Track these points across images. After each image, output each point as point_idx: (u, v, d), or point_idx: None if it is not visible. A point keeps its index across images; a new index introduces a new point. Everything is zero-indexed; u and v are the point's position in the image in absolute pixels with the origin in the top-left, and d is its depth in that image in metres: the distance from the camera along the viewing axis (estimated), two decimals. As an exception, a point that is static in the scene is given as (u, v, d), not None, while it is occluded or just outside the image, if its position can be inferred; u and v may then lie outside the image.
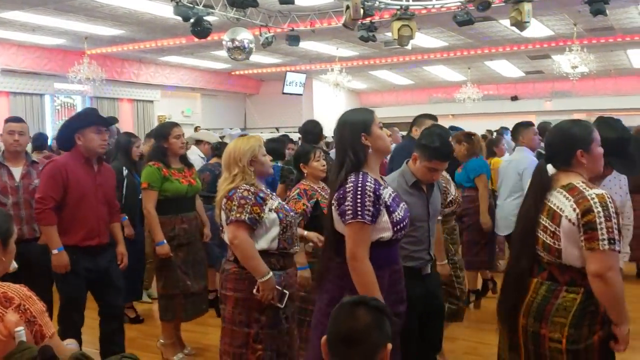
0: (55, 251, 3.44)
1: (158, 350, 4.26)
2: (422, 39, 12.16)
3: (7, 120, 4.10)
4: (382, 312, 1.64)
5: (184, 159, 4.23)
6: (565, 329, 2.09)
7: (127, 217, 4.72)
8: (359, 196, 2.36)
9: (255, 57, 11.70)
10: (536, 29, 11.16)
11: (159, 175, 3.99)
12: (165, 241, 3.96)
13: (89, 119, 3.60)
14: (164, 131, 4.14)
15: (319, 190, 3.58)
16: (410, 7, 8.29)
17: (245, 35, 9.01)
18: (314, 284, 2.64)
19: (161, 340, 4.25)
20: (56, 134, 3.74)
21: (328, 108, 19.33)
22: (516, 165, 4.95)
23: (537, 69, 16.69)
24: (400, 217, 2.47)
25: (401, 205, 2.54)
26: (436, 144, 2.95)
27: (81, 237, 3.50)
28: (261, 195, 2.87)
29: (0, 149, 5.27)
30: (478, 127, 9.60)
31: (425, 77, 18.39)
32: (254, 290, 2.79)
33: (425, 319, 2.99)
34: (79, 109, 14.61)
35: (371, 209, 2.36)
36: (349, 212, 2.36)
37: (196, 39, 8.95)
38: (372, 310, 1.62)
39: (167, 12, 9.27)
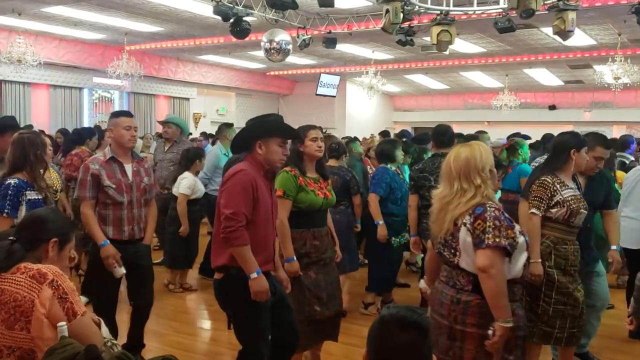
0: (254, 275, 2.94)
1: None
2: (459, 45, 11.98)
3: (119, 114, 3.87)
4: (423, 329, 1.59)
5: (321, 169, 3.80)
6: None
7: None
8: None
9: (290, 58, 11.70)
10: (578, 38, 10.88)
11: (295, 184, 3.57)
12: (295, 258, 3.51)
13: (277, 129, 3.15)
14: (300, 133, 3.62)
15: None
16: (451, 13, 8.17)
17: (283, 37, 9.01)
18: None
19: None
20: (237, 135, 3.27)
21: (360, 110, 19.29)
22: None
23: (577, 79, 16.32)
24: None
25: None
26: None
27: (261, 260, 3.03)
28: (507, 215, 2.50)
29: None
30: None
31: (462, 82, 18.16)
32: (489, 331, 2.44)
33: None
34: (116, 103, 14.82)
35: None
36: None
37: (234, 39, 9.00)
38: (414, 327, 1.57)
39: (206, 11, 9.34)
